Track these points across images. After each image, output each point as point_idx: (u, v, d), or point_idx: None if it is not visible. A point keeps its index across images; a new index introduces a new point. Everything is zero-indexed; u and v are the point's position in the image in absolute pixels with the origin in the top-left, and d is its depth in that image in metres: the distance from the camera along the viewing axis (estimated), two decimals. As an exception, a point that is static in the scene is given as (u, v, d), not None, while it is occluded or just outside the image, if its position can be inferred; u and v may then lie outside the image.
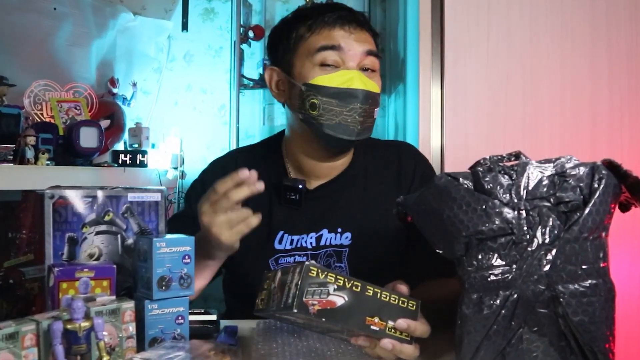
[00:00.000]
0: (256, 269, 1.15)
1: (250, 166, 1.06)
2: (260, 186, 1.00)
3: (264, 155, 1.31)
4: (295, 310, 0.80)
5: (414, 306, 0.89)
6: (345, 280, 0.83)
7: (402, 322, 0.87)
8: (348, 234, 1.24)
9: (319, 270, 0.82)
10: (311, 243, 1.25)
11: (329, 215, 1.25)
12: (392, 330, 0.87)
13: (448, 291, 1.04)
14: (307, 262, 0.82)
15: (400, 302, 0.87)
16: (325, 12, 1.18)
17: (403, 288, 0.93)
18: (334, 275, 0.83)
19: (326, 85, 1.13)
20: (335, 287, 0.82)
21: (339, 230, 1.24)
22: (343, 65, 1.15)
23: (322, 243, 1.25)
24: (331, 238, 1.24)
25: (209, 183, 1.04)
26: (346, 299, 0.83)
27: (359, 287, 0.84)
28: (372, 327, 0.85)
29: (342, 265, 1.24)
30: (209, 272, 1.12)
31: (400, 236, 1.26)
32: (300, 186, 1.21)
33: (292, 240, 1.24)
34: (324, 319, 0.81)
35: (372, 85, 1.17)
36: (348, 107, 1.13)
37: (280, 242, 1.24)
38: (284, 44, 1.21)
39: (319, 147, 1.22)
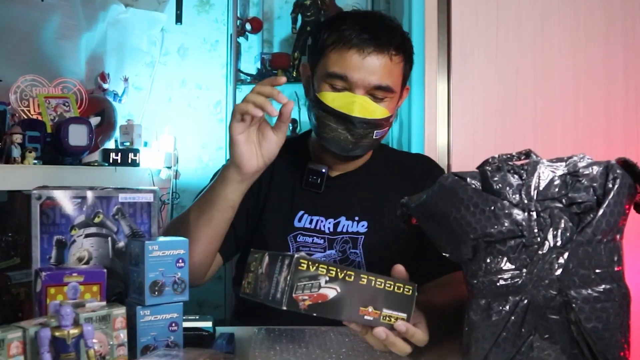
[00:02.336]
0: (275, 245, 1.31)
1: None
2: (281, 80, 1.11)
3: (292, 145, 1.42)
4: (285, 308, 0.80)
5: (410, 291, 0.89)
6: (338, 270, 0.83)
7: (401, 325, 0.88)
8: (364, 223, 1.33)
9: (310, 263, 0.81)
10: (329, 228, 1.33)
11: (348, 204, 1.35)
12: (387, 319, 0.87)
13: (454, 296, 1.08)
14: (296, 255, 0.81)
15: (396, 287, 0.88)
16: (349, 27, 1.22)
17: (400, 269, 0.93)
18: (325, 267, 0.82)
19: (327, 104, 1.22)
20: (327, 279, 0.82)
21: (356, 218, 1.33)
22: (350, 90, 1.22)
23: (339, 229, 1.33)
24: (348, 225, 1.33)
25: None
26: (338, 290, 0.83)
27: (352, 277, 0.84)
28: (365, 317, 0.85)
29: (357, 251, 1.32)
30: (231, 193, 1.17)
31: (413, 235, 1.30)
32: (324, 170, 1.33)
33: (311, 220, 1.33)
34: (315, 314, 0.82)
35: (375, 111, 1.22)
36: (342, 127, 1.22)
37: (299, 221, 1.34)
38: (314, 47, 1.30)
39: (326, 149, 1.32)
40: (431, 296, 1.06)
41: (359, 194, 1.35)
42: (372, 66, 1.20)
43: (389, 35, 1.22)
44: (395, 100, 1.27)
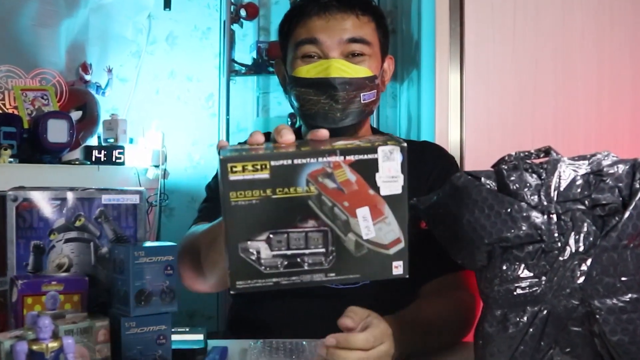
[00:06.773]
0: None
1: None
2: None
3: None
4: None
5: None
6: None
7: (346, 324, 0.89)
8: None
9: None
10: None
11: None
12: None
13: (446, 306, 1.12)
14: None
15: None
16: (309, 1, 1.28)
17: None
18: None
19: (303, 77, 1.25)
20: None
21: None
22: (324, 57, 1.26)
23: None
24: None
25: None
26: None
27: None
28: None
29: None
30: None
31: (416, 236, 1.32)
32: None
33: None
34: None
35: (356, 70, 1.25)
36: (324, 95, 1.24)
37: None
38: (282, 39, 1.34)
39: None
40: (417, 310, 1.08)
41: None
42: (339, 25, 1.25)
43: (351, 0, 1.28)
44: (376, 59, 1.29)
